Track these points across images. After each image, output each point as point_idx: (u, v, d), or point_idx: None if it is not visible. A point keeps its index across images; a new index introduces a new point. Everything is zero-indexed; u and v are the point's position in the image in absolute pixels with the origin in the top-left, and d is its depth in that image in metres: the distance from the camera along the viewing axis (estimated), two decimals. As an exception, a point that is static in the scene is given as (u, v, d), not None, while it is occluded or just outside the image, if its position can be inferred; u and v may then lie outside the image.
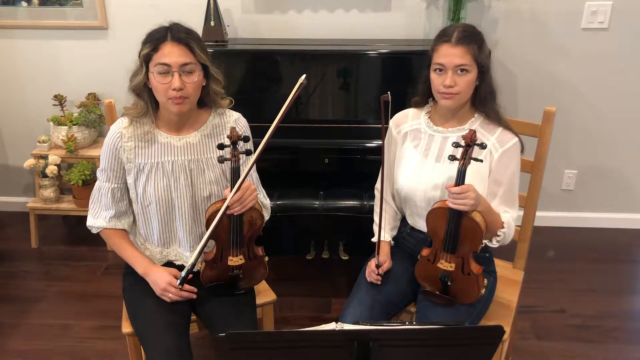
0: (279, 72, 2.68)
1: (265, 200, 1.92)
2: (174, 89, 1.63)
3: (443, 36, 1.72)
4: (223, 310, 1.81)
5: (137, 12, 2.97)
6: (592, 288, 2.80)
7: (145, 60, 1.67)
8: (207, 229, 1.69)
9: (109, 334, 2.48)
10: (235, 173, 1.68)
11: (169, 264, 1.87)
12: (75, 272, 2.95)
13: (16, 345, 2.46)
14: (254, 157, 1.68)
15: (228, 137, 1.68)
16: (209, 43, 2.75)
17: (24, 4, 3.02)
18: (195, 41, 1.69)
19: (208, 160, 1.80)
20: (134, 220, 1.88)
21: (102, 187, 1.80)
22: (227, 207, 1.66)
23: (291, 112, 2.70)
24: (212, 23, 2.76)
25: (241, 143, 1.70)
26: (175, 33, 1.67)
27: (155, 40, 1.66)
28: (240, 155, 1.69)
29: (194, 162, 1.78)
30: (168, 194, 1.77)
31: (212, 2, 2.74)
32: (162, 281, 1.76)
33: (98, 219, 1.83)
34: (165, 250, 1.87)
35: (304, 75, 1.63)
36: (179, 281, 1.72)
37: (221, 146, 1.68)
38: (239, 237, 1.75)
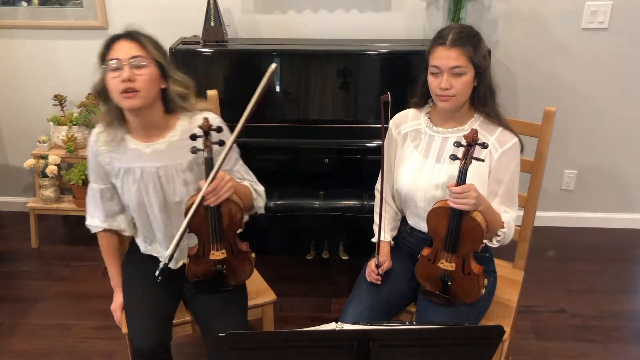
0: (279, 72, 2.68)
1: (258, 187, 1.91)
2: (123, 80, 1.64)
3: (438, 38, 1.72)
4: (210, 305, 1.83)
5: (137, 12, 2.97)
6: (592, 288, 2.80)
7: (101, 62, 1.70)
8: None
9: (109, 334, 2.48)
10: (208, 164, 1.69)
11: (154, 259, 1.91)
12: (75, 272, 2.95)
13: (16, 345, 2.46)
14: (227, 147, 1.67)
15: (200, 127, 1.68)
16: (209, 43, 2.75)
17: (24, 4, 3.02)
18: (147, 38, 1.72)
19: (177, 166, 1.79)
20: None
21: (93, 187, 1.87)
22: (203, 198, 1.66)
23: (291, 112, 2.71)
24: (212, 23, 2.76)
25: (214, 134, 1.70)
26: (128, 32, 1.71)
27: (108, 42, 1.71)
28: (213, 146, 1.70)
29: (162, 169, 1.79)
30: (140, 199, 1.81)
31: (212, 2, 2.74)
32: (118, 300, 1.92)
33: (94, 218, 1.90)
34: (149, 246, 1.93)
35: (274, 64, 1.64)
36: (157, 272, 1.72)
37: (194, 137, 1.69)
38: (218, 231, 1.75)
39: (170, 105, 1.78)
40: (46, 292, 2.80)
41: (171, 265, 1.82)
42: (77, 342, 2.48)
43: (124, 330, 1.86)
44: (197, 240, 1.81)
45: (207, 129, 1.68)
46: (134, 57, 1.66)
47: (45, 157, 3.02)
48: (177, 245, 1.70)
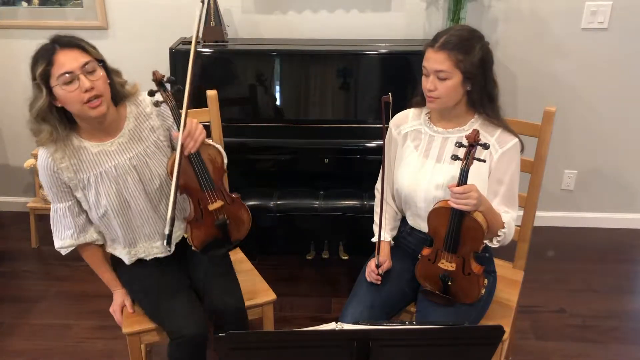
0: (279, 73, 2.68)
1: (217, 145, 1.94)
2: (86, 91, 1.61)
3: (433, 39, 1.73)
4: (206, 268, 1.91)
5: (137, 12, 2.97)
6: (592, 288, 2.80)
7: (44, 79, 1.61)
8: (171, 180, 1.71)
9: (109, 334, 2.48)
10: (175, 112, 1.73)
11: (140, 261, 1.91)
12: (75, 272, 2.95)
13: (16, 345, 2.46)
14: (186, 91, 1.71)
15: (153, 80, 1.72)
16: (209, 43, 2.75)
17: (24, 4, 3.02)
18: (82, 41, 1.67)
19: (145, 150, 1.81)
20: None
21: (58, 208, 1.81)
22: (182, 146, 1.69)
23: (291, 112, 2.71)
24: (212, 23, 2.76)
25: (169, 84, 1.75)
26: (61, 41, 1.64)
27: (45, 55, 1.62)
28: (172, 95, 1.75)
29: (134, 159, 1.79)
30: (121, 198, 1.79)
31: (212, 2, 2.74)
32: (117, 301, 1.92)
33: (65, 239, 1.85)
34: (133, 249, 1.90)
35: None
36: (165, 241, 1.69)
37: (152, 93, 1.74)
38: (208, 179, 1.79)
39: (117, 98, 1.76)
40: (46, 292, 2.80)
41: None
42: (77, 342, 2.48)
43: (125, 330, 1.86)
44: (190, 205, 1.84)
45: (160, 79, 1.73)
46: (84, 64, 1.62)
47: (45, 157, 3.02)
48: (174, 204, 1.67)
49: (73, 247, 1.87)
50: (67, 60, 1.60)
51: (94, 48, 1.69)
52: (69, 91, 1.61)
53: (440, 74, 1.69)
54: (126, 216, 1.82)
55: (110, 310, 1.94)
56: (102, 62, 1.69)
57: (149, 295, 1.87)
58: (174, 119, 1.74)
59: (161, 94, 1.73)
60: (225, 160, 1.90)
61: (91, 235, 1.87)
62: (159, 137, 1.83)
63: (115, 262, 1.96)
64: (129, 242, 1.87)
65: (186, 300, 1.84)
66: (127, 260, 1.90)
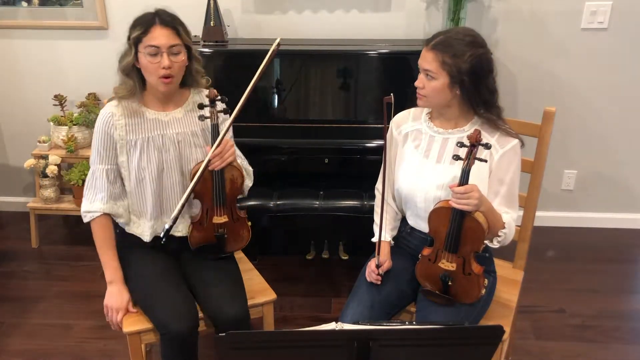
0: (279, 72, 2.68)
1: (249, 168, 2.05)
2: (164, 68, 1.77)
3: (430, 38, 1.74)
4: (207, 274, 1.92)
5: (137, 13, 2.94)
6: (592, 288, 2.80)
7: (135, 42, 1.79)
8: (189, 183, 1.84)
9: (109, 334, 2.48)
10: (214, 130, 1.85)
11: (157, 239, 1.94)
12: (75, 272, 2.95)
13: (16, 345, 2.46)
14: (233, 114, 1.82)
15: (207, 96, 1.86)
16: (209, 43, 2.75)
17: (24, 4, 3.02)
18: (180, 25, 1.83)
19: (194, 132, 1.93)
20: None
21: (96, 169, 1.90)
22: (209, 162, 1.82)
23: (291, 112, 2.71)
24: (212, 23, 2.76)
25: (219, 104, 1.86)
26: (163, 17, 1.80)
27: (144, 23, 1.79)
28: (219, 114, 1.85)
29: (181, 135, 1.91)
30: (160, 166, 1.90)
31: (212, 2, 2.74)
32: (117, 299, 1.86)
33: (94, 202, 1.90)
34: (156, 223, 1.94)
35: (278, 39, 1.80)
36: (162, 234, 1.85)
37: (201, 106, 1.85)
38: (221, 195, 1.88)
39: (189, 81, 1.92)
40: (46, 292, 2.80)
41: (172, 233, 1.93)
42: (77, 342, 2.48)
43: (125, 329, 1.86)
44: (199, 209, 1.94)
45: (213, 97, 1.84)
46: (172, 45, 1.77)
47: (45, 157, 3.02)
48: (182, 207, 1.83)
49: (98, 214, 1.89)
50: (159, 36, 1.76)
51: (188, 34, 1.85)
52: (150, 62, 1.77)
53: (428, 73, 1.70)
54: (160, 185, 1.91)
55: (111, 307, 1.87)
56: (189, 48, 1.84)
57: (145, 284, 1.87)
58: (212, 134, 1.86)
59: (209, 110, 1.84)
60: (249, 184, 2.00)
61: (118, 209, 1.92)
62: (207, 129, 1.93)
63: (126, 250, 1.97)
64: (156, 214, 1.93)
65: (178, 295, 1.84)
66: (148, 236, 1.93)
